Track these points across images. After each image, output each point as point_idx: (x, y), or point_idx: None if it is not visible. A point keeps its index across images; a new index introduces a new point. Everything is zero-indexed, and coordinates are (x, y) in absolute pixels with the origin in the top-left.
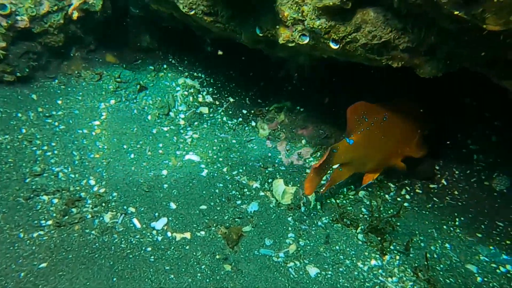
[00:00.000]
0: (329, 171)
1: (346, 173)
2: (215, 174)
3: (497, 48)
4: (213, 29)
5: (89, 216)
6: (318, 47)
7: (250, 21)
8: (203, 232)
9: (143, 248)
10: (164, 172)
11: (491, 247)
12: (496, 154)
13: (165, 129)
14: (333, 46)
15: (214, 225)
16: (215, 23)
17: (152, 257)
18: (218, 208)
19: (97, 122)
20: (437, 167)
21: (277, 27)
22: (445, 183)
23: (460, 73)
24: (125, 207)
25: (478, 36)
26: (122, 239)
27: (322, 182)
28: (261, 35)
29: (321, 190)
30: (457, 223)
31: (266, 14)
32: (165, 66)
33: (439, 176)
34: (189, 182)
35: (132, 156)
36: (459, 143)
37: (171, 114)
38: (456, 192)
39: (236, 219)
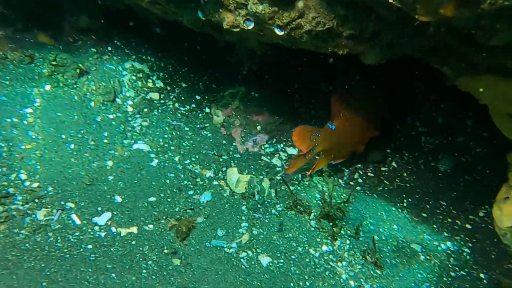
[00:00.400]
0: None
1: (326, 159)
2: (166, 164)
3: (432, 38)
4: (154, 10)
5: (19, 214)
6: (264, 33)
7: (192, 4)
8: (151, 226)
9: (83, 246)
10: (110, 163)
11: (434, 226)
12: (441, 136)
13: (111, 116)
14: (278, 32)
15: (164, 217)
16: (154, 4)
17: (93, 255)
18: (169, 200)
19: (29, 110)
20: (388, 150)
21: (220, 10)
22: (395, 166)
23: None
24: (62, 203)
25: (414, 25)
26: (58, 238)
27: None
28: (203, 19)
29: (307, 174)
30: (405, 204)
31: None
32: (109, 48)
33: (390, 159)
34: (137, 173)
35: (72, 146)
36: (408, 125)
37: (118, 100)
38: (405, 174)
39: (188, 211)
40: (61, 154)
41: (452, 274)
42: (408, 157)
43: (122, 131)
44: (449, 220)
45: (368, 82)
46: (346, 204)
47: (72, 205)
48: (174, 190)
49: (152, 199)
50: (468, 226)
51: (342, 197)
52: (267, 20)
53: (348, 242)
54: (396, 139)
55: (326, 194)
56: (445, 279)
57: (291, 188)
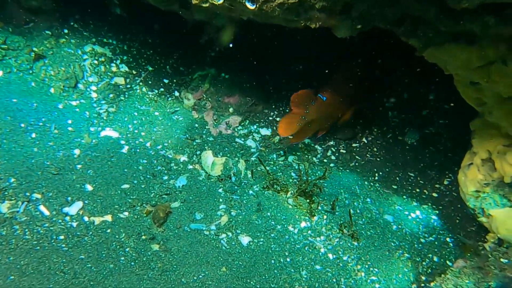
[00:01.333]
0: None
1: (312, 129)
2: (137, 150)
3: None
4: None
5: None
6: (235, 8)
7: None
8: (126, 213)
9: (54, 237)
10: (77, 151)
11: (404, 197)
12: (407, 110)
13: (74, 103)
14: (250, 6)
15: (139, 204)
16: None
17: (65, 246)
18: (143, 186)
19: None
20: (358, 127)
21: None
22: (366, 141)
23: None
24: (27, 194)
25: None
26: (26, 230)
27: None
28: None
29: (290, 139)
30: (376, 178)
31: None
32: (65, 31)
33: (360, 135)
34: (108, 160)
35: (34, 135)
36: (376, 101)
37: (80, 86)
38: (375, 149)
39: (164, 196)
40: (22, 144)
41: (422, 240)
42: (377, 132)
43: (88, 118)
44: (417, 190)
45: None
46: (322, 181)
47: (39, 196)
48: (148, 176)
49: (125, 186)
50: (434, 194)
51: (317, 174)
52: None
53: (325, 217)
54: (365, 115)
55: (302, 171)
56: (416, 245)
57: (267, 168)
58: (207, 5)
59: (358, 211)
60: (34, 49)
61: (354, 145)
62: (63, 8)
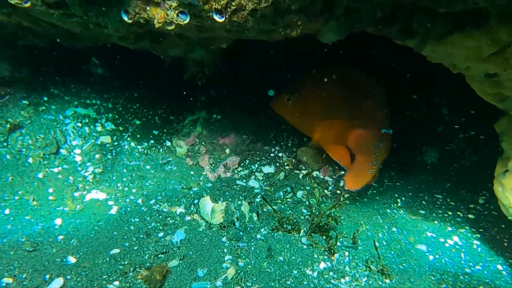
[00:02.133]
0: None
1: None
2: (128, 209)
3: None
4: (74, 28)
5: None
6: (203, 25)
7: (113, 5)
8: (117, 283)
9: None
10: (58, 221)
11: (435, 222)
12: (419, 129)
13: (56, 170)
14: (218, 19)
15: (131, 269)
16: (69, 17)
17: None
18: (136, 248)
19: None
20: None
21: (147, 8)
22: (380, 166)
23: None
24: None
25: None
26: None
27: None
28: (130, 21)
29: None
30: (399, 204)
31: None
32: (45, 98)
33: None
34: (94, 225)
35: (7, 211)
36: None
37: (62, 151)
38: (392, 173)
39: (160, 255)
40: None
41: (468, 270)
42: (391, 155)
43: (71, 184)
44: (449, 213)
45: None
46: (337, 212)
47: (10, 280)
48: (141, 235)
49: (115, 251)
50: (470, 216)
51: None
52: (202, 6)
53: (347, 253)
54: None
55: (314, 206)
56: (461, 277)
57: (274, 207)
58: (172, 27)
59: (385, 242)
60: (9, 120)
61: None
62: (42, 75)
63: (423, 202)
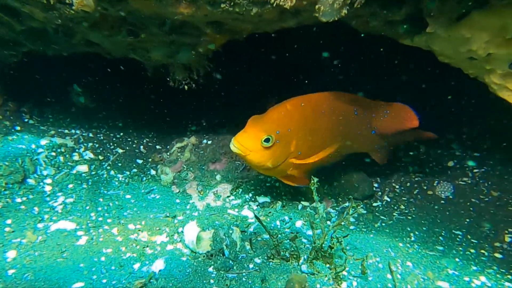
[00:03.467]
0: None
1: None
2: (100, 239)
3: None
4: (36, 12)
5: None
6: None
7: None
8: None
9: None
10: (11, 253)
11: (456, 260)
12: (429, 163)
13: (19, 200)
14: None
15: None
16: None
17: None
18: (104, 281)
19: None
20: (375, 185)
21: None
22: (388, 200)
23: None
24: None
25: None
26: None
27: None
28: None
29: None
30: (412, 238)
31: None
32: (17, 128)
33: (380, 193)
34: (57, 257)
35: None
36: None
37: (30, 181)
38: (402, 207)
39: None
40: None
41: None
42: (400, 188)
43: (36, 215)
44: (472, 251)
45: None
46: (343, 241)
47: None
48: (112, 267)
49: (78, 285)
50: (497, 255)
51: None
52: None
53: (355, 284)
54: (380, 172)
55: (316, 232)
56: None
57: (267, 236)
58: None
59: (399, 276)
60: None
61: (374, 204)
62: (15, 103)
63: (440, 238)
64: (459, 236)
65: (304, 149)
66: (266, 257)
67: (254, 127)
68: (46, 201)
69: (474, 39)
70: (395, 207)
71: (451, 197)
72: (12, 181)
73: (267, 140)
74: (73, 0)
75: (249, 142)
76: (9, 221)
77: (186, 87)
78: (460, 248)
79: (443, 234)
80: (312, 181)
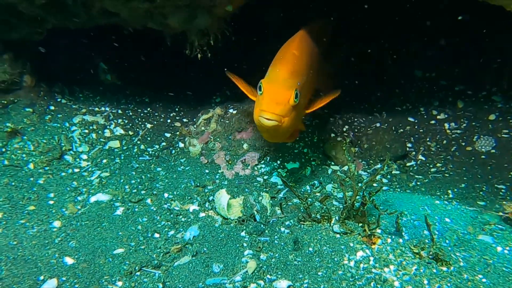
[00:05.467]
0: None
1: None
2: (135, 209)
3: None
4: None
5: None
6: None
7: None
8: (120, 283)
9: None
10: (57, 223)
11: (500, 214)
12: (468, 118)
13: (58, 176)
14: None
15: (137, 268)
16: None
17: None
18: (142, 247)
19: None
20: (409, 145)
21: None
22: (424, 158)
23: None
24: None
25: None
26: None
27: None
28: None
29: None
30: (451, 195)
31: None
32: (51, 107)
33: (414, 153)
34: (97, 226)
35: (0, 215)
36: (423, 116)
37: (67, 157)
38: (439, 165)
39: (170, 253)
40: None
41: None
42: (436, 147)
43: (75, 188)
44: None
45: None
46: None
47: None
48: (149, 234)
49: (119, 251)
50: None
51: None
52: None
53: (389, 240)
54: (413, 132)
55: (347, 193)
56: None
57: (298, 201)
58: None
59: (437, 232)
60: (8, 124)
61: (408, 164)
62: (47, 84)
63: (481, 193)
64: (503, 190)
65: (309, 96)
66: (297, 220)
67: (278, 89)
68: (83, 175)
69: None
70: (431, 166)
71: (493, 151)
72: (51, 157)
73: (296, 96)
74: None
75: (280, 108)
76: (52, 195)
77: (199, 55)
78: (504, 202)
79: (484, 189)
80: (344, 142)
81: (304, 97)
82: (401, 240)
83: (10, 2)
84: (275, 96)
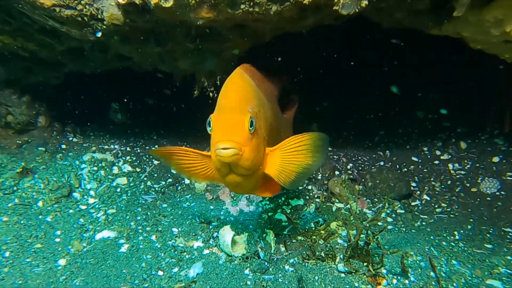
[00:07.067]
0: None
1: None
2: (140, 246)
3: None
4: (72, 28)
5: None
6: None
7: None
8: None
9: None
10: (62, 261)
11: (508, 258)
12: (472, 159)
13: (66, 213)
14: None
15: None
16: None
17: None
18: (146, 285)
19: None
20: (413, 184)
21: None
22: (428, 198)
23: None
24: None
25: None
26: None
27: None
28: (123, 1)
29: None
30: (457, 237)
31: None
32: (63, 146)
33: (418, 192)
34: (101, 264)
35: (7, 254)
36: (426, 156)
37: (75, 195)
38: (444, 205)
39: None
40: None
41: None
42: (440, 187)
43: (81, 225)
44: None
45: None
46: (381, 238)
47: None
48: (152, 272)
49: None
50: None
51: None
52: None
53: (395, 281)
54: (417, 171)
55: (351, 231)
56: None
57: (302, 238)
58: (170, 3)
59: (444, 274)
60: (21, 164)
61: (413, 203)
62: (59, 124)
63: (488, 235)
64: (510, 233)
65: (267, 134)
66: (301, 258)
67: (229, 115)
68: (90, 212)
69: (508, 20)
70: (436, 206)
71: (497, 193)
72: (60, 195)
73: (251, 124)
74: (104, 15)
75: (236, 133)
76: (59, 232)
77: (210, 94)
78: None
79: (491, 231)
80: (342, 179)
81: (263, 129)
82: (407, 281)
83: (31, 49)
84: (228, 123)
